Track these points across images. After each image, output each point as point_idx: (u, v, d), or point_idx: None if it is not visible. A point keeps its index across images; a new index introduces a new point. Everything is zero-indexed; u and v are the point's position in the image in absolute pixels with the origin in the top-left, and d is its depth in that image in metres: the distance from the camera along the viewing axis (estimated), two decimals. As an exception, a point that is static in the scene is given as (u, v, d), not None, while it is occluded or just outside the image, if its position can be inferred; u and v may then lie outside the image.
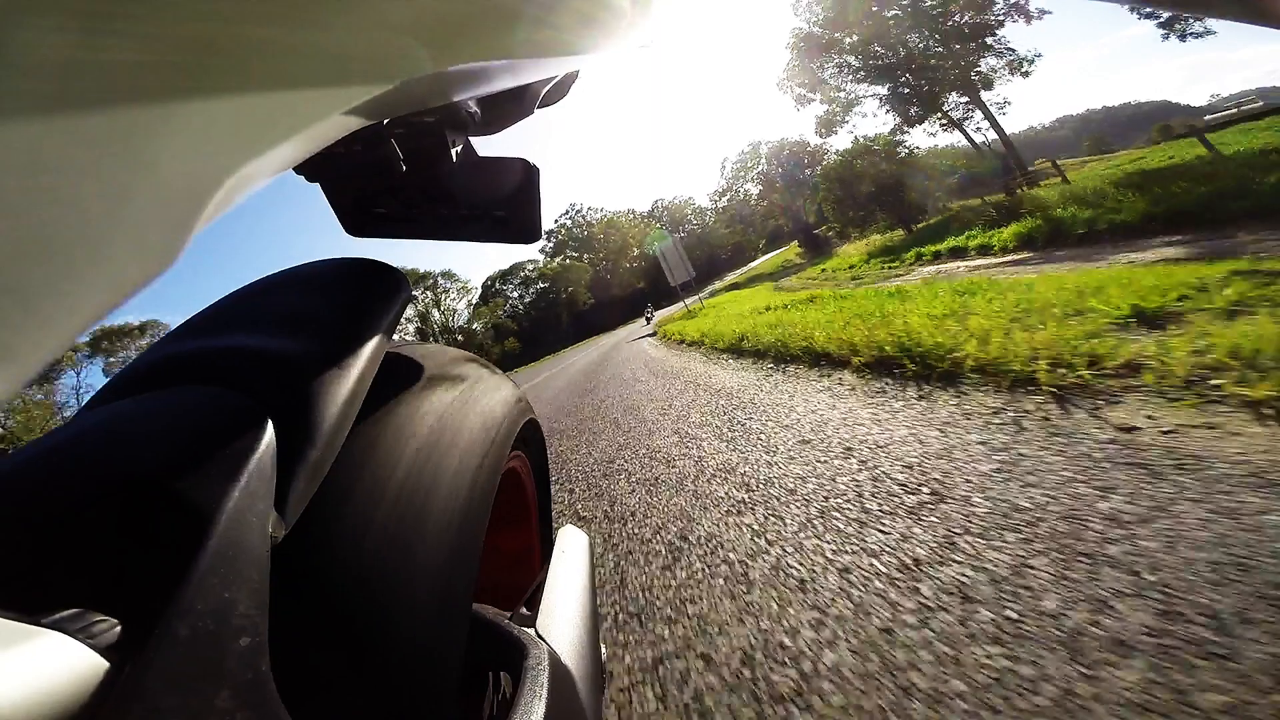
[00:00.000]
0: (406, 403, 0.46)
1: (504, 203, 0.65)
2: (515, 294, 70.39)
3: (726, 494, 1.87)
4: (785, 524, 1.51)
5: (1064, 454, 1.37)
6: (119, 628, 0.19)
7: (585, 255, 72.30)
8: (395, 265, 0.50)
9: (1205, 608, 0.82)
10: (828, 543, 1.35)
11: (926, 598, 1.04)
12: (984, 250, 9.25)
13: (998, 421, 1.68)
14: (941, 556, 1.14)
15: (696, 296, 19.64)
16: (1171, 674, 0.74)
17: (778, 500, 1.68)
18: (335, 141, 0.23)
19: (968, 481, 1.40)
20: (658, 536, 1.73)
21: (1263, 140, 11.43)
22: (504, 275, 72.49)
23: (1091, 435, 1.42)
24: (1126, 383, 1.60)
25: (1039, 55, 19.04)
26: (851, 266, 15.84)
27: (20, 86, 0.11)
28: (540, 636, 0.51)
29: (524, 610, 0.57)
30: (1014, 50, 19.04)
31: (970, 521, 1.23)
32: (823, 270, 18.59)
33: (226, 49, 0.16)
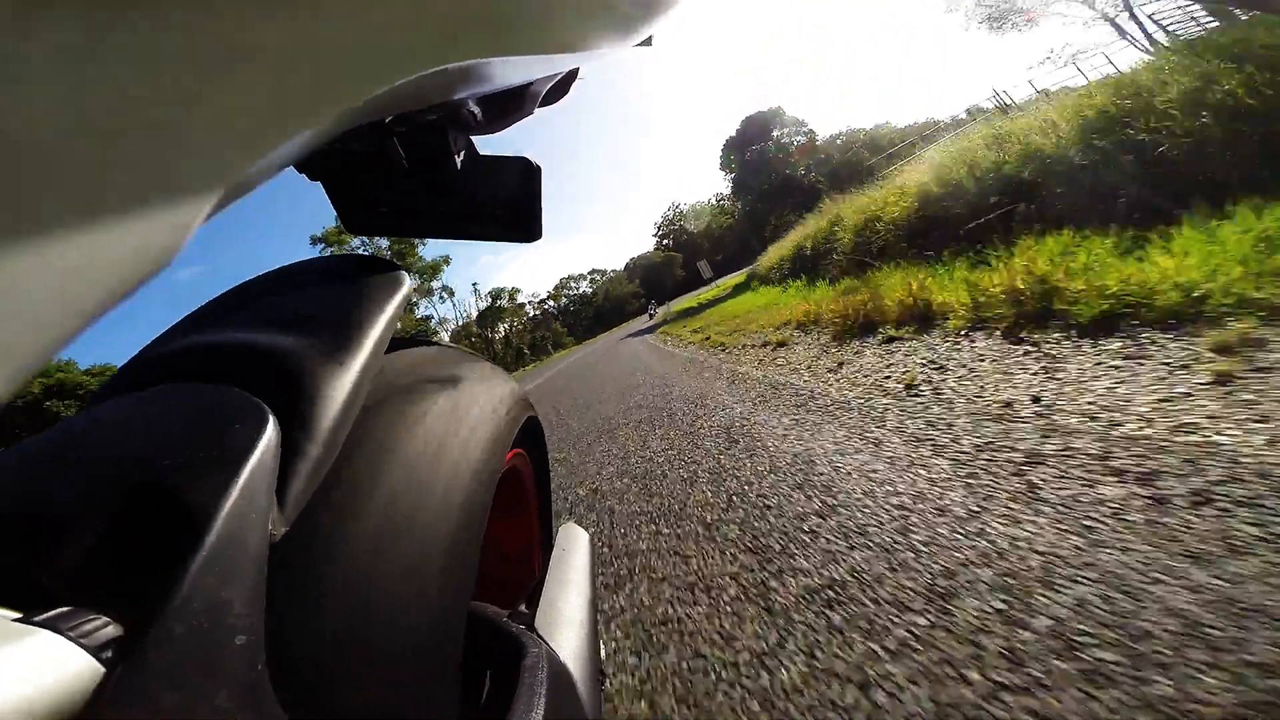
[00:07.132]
0: (407, 399, 0.46)
1: (505, 201, 0.66)
2: (639, 271, 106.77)
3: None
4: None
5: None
6: (113, 627, 0.19)
7: (683, 237, 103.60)
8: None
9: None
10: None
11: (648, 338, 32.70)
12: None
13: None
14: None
15: (716, 283, 48.76)
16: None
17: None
18: (337, 138, 0.22)
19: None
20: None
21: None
22: (635, 260, 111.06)
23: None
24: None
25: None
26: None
27: (21, 86, 0.11)
28: (538, 635, 0.51)
29: (523, 609, 0.57)
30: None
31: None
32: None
33: (228, 44, 0.16)
